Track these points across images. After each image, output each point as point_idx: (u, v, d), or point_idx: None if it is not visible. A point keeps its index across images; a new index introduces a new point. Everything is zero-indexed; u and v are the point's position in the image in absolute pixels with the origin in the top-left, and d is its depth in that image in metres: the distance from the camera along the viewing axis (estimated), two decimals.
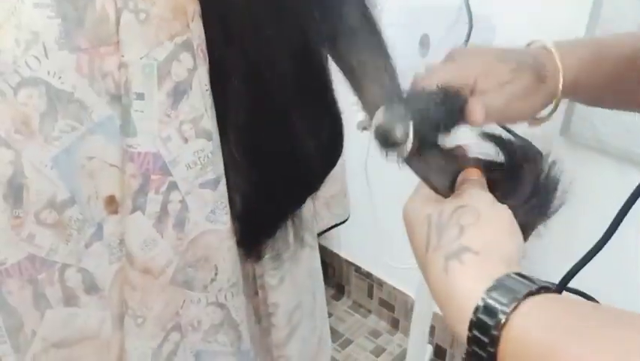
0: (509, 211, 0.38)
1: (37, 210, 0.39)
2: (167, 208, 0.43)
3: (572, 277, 0.61)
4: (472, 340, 0.33)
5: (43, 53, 0.35)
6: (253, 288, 0.55)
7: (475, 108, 0.45)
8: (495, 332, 0.32)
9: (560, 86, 0.50)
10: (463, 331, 0.34)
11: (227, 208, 0.46)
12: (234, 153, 0.45)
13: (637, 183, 0.60)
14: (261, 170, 0.46)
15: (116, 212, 0.43)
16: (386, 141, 0.40)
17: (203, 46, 0.41)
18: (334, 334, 1.97)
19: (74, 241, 0.41)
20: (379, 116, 0.40)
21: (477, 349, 0.33)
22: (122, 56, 0.38)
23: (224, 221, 0.46)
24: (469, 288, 0.34)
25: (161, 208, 0.43)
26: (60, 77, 0.37)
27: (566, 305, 0.33)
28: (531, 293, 0.33)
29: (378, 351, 1.93)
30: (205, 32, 0.40)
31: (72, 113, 0.38)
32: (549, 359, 0.30)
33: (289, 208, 0.51)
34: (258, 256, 0.53)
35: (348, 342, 1.96)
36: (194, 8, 0.40)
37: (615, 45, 0.55)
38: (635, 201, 0.59)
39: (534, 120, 0.53)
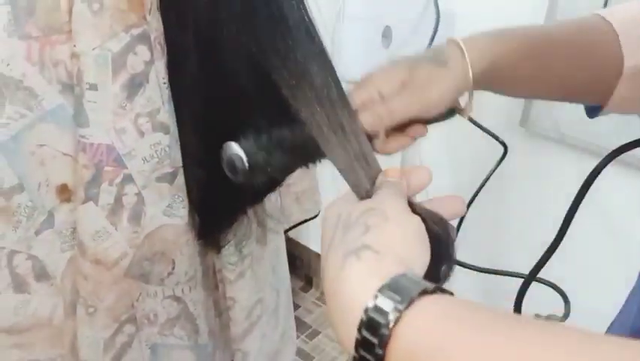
0: (419, 220, 0.37)
1: None
2: (122, 201, 0.43)
3: (540, 268, 0.62)
4: (360, 343, 0.31)
5: None
6: (213, 282, 0.55)
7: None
8: (385, 331, 0.30)
9: (470, 72, 0.50)
10: (351, 336, 0.31)
11: (185, 202, 0.46)
12: (190, 141, 0.45)
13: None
14: (218, 159, 0.45)
15: (68, 200, 0.43)
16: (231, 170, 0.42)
17: (161, 39, 0.40)
18: (302, 325, 1.98)
19: (23, 228, 0.41)
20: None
21: (365, 353, 0.31)
22: (74, 46, 0.37)
23: (181, 215, 0.46)
24: (362, 284, 0.32)
25: (115, 200, 0.43)
26: (9, 64, 0.36)
27: (460, 304, 0.31)
28: (426, 292, 0.31)
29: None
30: (162, 19, 0.40)
31: (21, 100, 0.37)
32: (438, 354, 0.29)
33: (248, 199, 0.50)
34: (217, 248, 0.52)
35: (316, 333, 1.97)
36: (151, 0, 0.39)
37: (558, 39, 0.55)
38: (586, 191, 0.61)
39: (460, 111, 0.53)
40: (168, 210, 0.45)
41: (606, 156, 0.59)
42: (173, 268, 0.48)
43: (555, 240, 0.69)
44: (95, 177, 0.41)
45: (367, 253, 0.34)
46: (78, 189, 0.42)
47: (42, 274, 0.44)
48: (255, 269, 0.57)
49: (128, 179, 0.42)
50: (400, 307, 0.30)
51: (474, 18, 1.29)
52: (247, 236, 0.53)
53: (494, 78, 0.52)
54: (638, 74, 0.55)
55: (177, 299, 0.50)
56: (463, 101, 0.54)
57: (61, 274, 0.45)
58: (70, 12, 0.37)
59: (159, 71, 0.41)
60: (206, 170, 0.46)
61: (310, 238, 2.10)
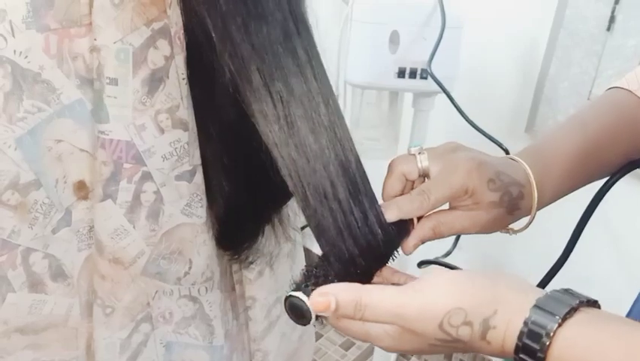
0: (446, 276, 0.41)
1: None
2: (140, 198, 0.42)
3: (547, 283, 0.63)
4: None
5: (10, 32, 0.34)
6: (230, 283, 0.55)
7: (409, 245, 0.49)
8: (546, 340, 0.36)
9: (533, 214, 0.52)
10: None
11: (204, 201, 0.45)
12: (216, 151, 0.44)
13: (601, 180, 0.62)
14: (244, 169, 0.45)
15: (86, 197, 0.42)
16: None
17: (181, 33, 0.39)
18: None
19: (40, 226, 0.40)
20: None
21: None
22: (95, 40, 0.37)
23: (199, 215, 0.45)
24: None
25: (133, 198, 0.42)
26: (27, 57, 0.35)
27: (601, 314, 0.36)
28: (573, 309, 0.36)
29: (348, 345, 1.95)
30: (185, 20, 0.39)
31: (38, 94, 0.36)
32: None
33: (272, 208, 0.50)
34: (241, 260, 0.51)
35: (318, 336, 1.97)
36: None
37: (603, 145, 0.56)
38: (598, 204, 0.61)
39: (508, 230, 0.55)
40: (187, 209, 0.45)
41: (619, 170, 0.60)
42: (190, 268, 0.47)
43: (563, 253, 0.69)
44: (114, 174, 0.40)
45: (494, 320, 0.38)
46: (96, 187, 0.41)
47: (59, 274, 0.43)
48: (274, 267, 0.56)
49: (147, 176, 0.42)
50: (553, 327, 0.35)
51: (481, 23, 1.30)
52: (275, 248, 0.53)
53: (557, 198, 0.54)
54: None
55: (193, 299, 0.49)
56: None
57: (77, 274, 0.44)
58: (90, 4, 0.36)
59: (179, 67, 0.40)
60: (230, 181, 0.45)
61: (314, 241, 2.10)
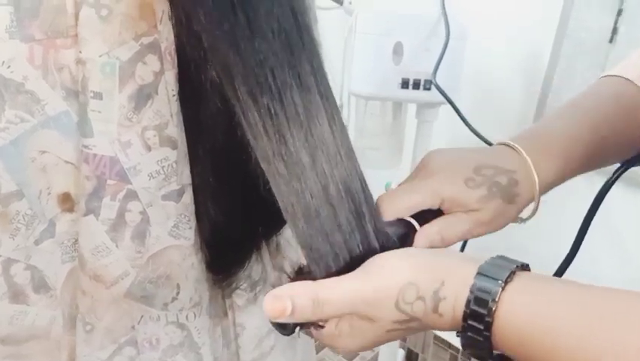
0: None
1: None
2: (125, 217, 0.41)
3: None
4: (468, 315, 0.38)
5: None
6: (222, 309, 0.53)
7: (419, 242, 0.47)
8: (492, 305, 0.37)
9: (537, 198, 0.50)
10: None
11: (192, 222, 0.44)
12: (207, 177, 0.43)
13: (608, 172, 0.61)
14: (234, 195, 0.44)
15: (71, 210, 0.41)
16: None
17: (172, 49, 0.38)
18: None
19: (22, 237, 0.39)
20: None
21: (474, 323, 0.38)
22: (80, 52, 0.36)
23: (187, 236, 0.44)
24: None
25: (117, 216, 0.41)
26: (9, 67, 0.34)
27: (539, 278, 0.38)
28: (512, 273, 0.37)
29: (351, 355, 1.94)
30: (175, 37, 0.38)
31: (22, 105, 0.35)
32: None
33: (262, 235, 0.48)
34: (229, 284, 0.50)
35: (322, 346, 1.96)
36: (163, 9, 0.37)
37: (607, 128, 0.55)
38: (599, 206, 0.61)
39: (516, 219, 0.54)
40: (174, 231, 0.43)
41: (614, 173, 0.59)
42: (178, 293, 0.46)
43: (568, 256, 0.69)
44: (97, 189, 0.39)
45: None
46: (80, 200, 0.40)
47: (41, 285, 0.42)
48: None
49: (132, 195, 0.40)
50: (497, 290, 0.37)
51: (484, 34, 1.31)
52: (262, 276, 0.51)
53: (567, 178, 0.53)
54: None
55: (181, 326, 0.47)
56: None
57: (61, 286, 0.43)
58: (76, 16, 0.35)
59: (169, 83, 0.39)
60: (219, 207, 0.44)
61: None
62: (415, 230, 0.48)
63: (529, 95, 1.35)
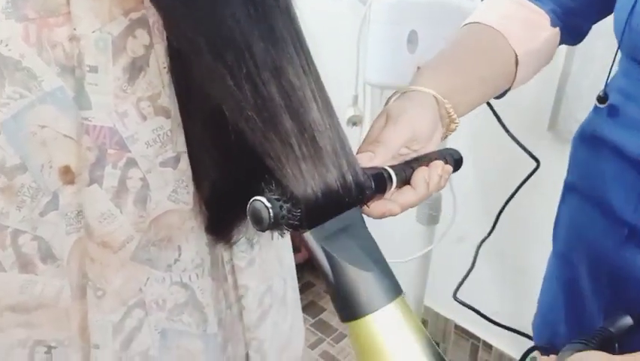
0: None
1: None
2: (127, 184, 0.44)
3: None
4: None
5: None
6: (223, 273, 0.56)
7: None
8: None
9: (434, 95, 0.59)
10: None
11: (190, 187, 0.46)
12: (200, 137, 0.45)
13: None
14: (229, 153, 0.46)
15: (72, 182, 0.43)
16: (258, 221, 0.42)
17: (160, 24, 0.41)
18: (328, 328, 1.98)
19: (28, 208, 0.42)
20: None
21: None
22: (74, 29, 0.38)
23: (186, 201, 0.46)
24: None
25: (119, 183, 0.43)
26: (7, 45, 0.37)
27: None
28: None
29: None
30: (160, 14, 0.40)
31: (20, 81, 0.38)
32: None
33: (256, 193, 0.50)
34: (228, 243, 0.52)
35: (342, 336, 1.97)
36: None
37: (474, 61, 0.68)
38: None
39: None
40: (173, 196, 0.46)
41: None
42: (180, 255, 0.48)
43: None
44: (99, 159, 0.42)
45: None
46: (83, 172, 0.42)
47: (48, 256, 0.44)
48: (264, 257, 0.58)
49: (132, 163, 0.43)
50: None
51: None
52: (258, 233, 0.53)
53: (452, 96, 0.61)
54: (528, 58, 0.70)
55: (185, 286, 0.50)
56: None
57: (67, 256, 0.46)
58: None
59: (159, 56, 0.41)
60: (216, 166, 0.46)
61: None
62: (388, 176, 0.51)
63: (548, 82, 1.34)
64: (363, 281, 0.42)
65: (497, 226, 1.23)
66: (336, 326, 2.00)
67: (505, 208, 1.22)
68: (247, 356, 0.60)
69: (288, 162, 0.41)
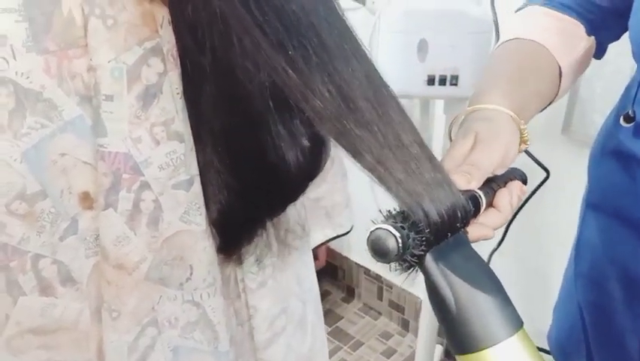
0: None
1: (7, 201, 0.40)
2: (140, 206, 0.45)
3: None
4: None
5: (11, 55, 0.37)
6: (235, 291, 0.56)
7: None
8: None
9: (512, 114, 0.61)
10: None
11: (202, 210, 0.47)
12: (210, 159, 0.46)
13: None
14: (237, 176, 0.47)
15: (91, 207, 0.44)
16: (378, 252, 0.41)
17: (174, 51, 0.42)
18: (345, 337, 1.99)
19: (48, 234, 0.43)
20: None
21: None
22: (90, 60, 0.40)
23: (198, 222, 0.47)
24: None
25: (133, 206, 0.44)
26: (28, 77, 0.38)
27: None
28: None
29: (389, 353, 1.95)
30: (176, 39, 0.42)
31: (41, 112, 0.39)
32: None
33: (266, 216, 0.51)
34: (238, 261, 0.53)
35: (359, 344, 1.97)
36: (163, 15, 0.41)
37: (530, 77, 0.69)
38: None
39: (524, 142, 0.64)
40: (185, 217, 0.47)
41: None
42: (191, 274, 0.49)
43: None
44: (114, 184, 0.43)
45: None
46: (99, 197, 0.44)
47: (67, 279, 0.46)
48: (278, 279, 0.58)
49: (145, 186, 0.44)
50: None
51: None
52: (266, 251, 0.54)
53: (519, 115, 0.62)
54: (569, 69, 0.72)
55: (196, 304, 0.51)
56: None
57: (86, 280, 0.47)
58: (85, 27, 0.39)
59: (173, 82, 0.42)
60: (224, 188, 0.47)
61: (352, 249, 2.10)
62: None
63: None
64: (487, 308, 0.40)
65: (507, 236, 1.22)
66: (353, 334, 2.00)
67: (517, 217, 1.21)
68: None
69: (399, 177, 0.41)
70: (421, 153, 0.43)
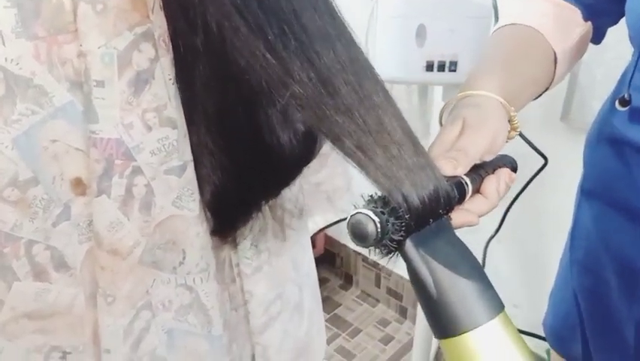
0: None
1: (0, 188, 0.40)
2: (132, 191, 0.45)
3: None
4: None
5: (1, 41, 0.37)
6: (230, 275, 0.56)
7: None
8: None
9: (503, 101, 0.60)
10: None
11: (195, 195, 0.47)
12: (204, 141, 0.46)
13: None
14: (231, 157, 0.47)
15: (83, 194, 0.44)
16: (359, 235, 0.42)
17: (165, 36, 0.42)
18: (343, 324, 1.99)
19: (40, 220, 0.43)
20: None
21: None
22: (81, 46, 0.39)
23: (190, 208, 0.47)
24: None
25: (125, 191, 0.44)
26: (18, 64, 0.38)
27: None
28: None
29: (387, 340, 1.95)
30: (167, 22, 0.41)
31: (32, 98, 0.39)
32: None
33: (261, 198, 0.51)
34: (233, 244, 0.53)
35: (357, 331, 1.98)
36: (154, 0, 0.40)
37: (524, 63, 0.69)
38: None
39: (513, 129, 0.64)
40: (177, 202, 0.47)
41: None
42: (184, 258, 0.49)
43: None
44: (107, 170, 0.43)
45: None
46: (92, 183, 0.44)
47: (61, 264, 0.46)
48: (274, 264, 0.58)
49: (137, 171, 0.44)
50: None
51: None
52: (262, 232, 0.54)
53: (511, 102, 0.62)
54: (564, 56, 0.72)
55: (189, 288, 0.51)
56: None
57: (80, 265, 0.47)
58: (74, 13, 0.38)
59: (165, 68, 0.42)
60: (218, 170, 0.47)
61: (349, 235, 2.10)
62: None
63: None
64: (467, 292, 0.40)
65: (506, 223, 1.22)
66: (352, 321, 2.01)
67: (515, 203, 1.21)
68: (253, 357, 0.61)
69: (379, 162, 0.41)
70: (404, 138, 0.43)
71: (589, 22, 0.74)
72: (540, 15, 0.71)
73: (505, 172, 0.56)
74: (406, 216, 0.41)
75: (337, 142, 0.41)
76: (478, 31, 1.06)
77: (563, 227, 0.91)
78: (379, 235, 0.40)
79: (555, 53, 0.70)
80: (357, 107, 0.41)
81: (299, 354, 0.65)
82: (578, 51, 0.75)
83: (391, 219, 0.41)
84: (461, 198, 0.50)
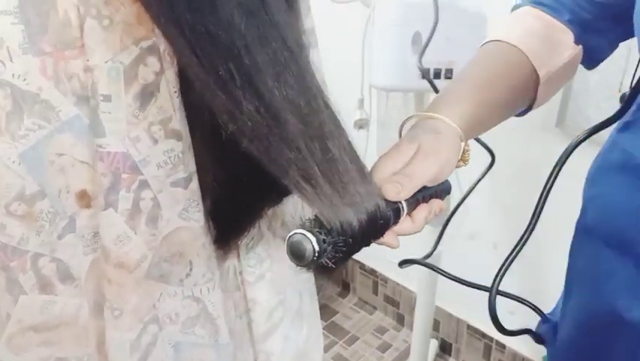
0: None
1: (6, 202, 0.41)
2: (139, 205, 0.45)
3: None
4: None
5: (8, 57, 0.37)
6: (234, 283, 0.57)
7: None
8: None
9: (460, 132, 0.60)
10: None
11: (200, 206, 0.48)
12: (201, 151, 0.46)
13: None
14: (228, 167, 0.47)
15: (88, 206, 0.45)
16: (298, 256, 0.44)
17: (170, 50, 0.42)
18: (340, 331, 1.99)
19: (46, 233, 0.43)
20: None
21: None
22: (87, 60, 0.40)
23: (196, 219, 0.48)
24: None
25: (132, 205, 0.45)
26: (25, 79, 0.38)
27: None
28: None
29: (385, 347, 1.95)
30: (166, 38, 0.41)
31: (38, 113, 0.39)
32: None
33: (261, 208, 0.52)
34: (236, 252, 0.54)
35: (355, 339, 1.97)
36: None
37: (497, 81, 0.68)
38: (557, 172, 0.74)
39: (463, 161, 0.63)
40: (184, 214, 0.47)
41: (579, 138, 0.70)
42: (191, 270, 0.50)
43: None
44: (114, 184, 0.43)
45: None
46: (98, 196, 0.44)
47: (67, 276, 0.46)
48: (275, 271, 0.59)
49: (144, 184, 0.44)
50: None
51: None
52: (265, 239, 0.55)
53: (473, 129, 0.63)
54: (549, 78, 0.70)
55: (197, 300, 0.52)
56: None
57: (84, 276, 0.47)
58: (81, 28, 0.39)
59: (169, 81, 0.43)
60: (219, 181, 0.48)
61: None
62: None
63: None
64: None
65: (504, 229, 1.23)
66: (349, 329, 2.00)
67: (514, 210, 1.21)
68: None
69: (322, 190, 0.42)
70: (351, 167, 0.44)
71: (580, 46, 0.72)
72: (528, 34, 0.70)
73: (437, 203, 0.57)
74: (343, 239, 0.43)
75: (283, 173, 0.42)
76: (473, 38, 1.07)
77: (560, 234, 0.91)
78: (316, 256, 0.43)
79: (538, 76, 0.69)
80: (304, 138, 0.41)
81: (298, 359, 0.66)
82: (565, 73, 0.73)
83: (329, 239, 0.43)
84: (395, 222, 0.51)
